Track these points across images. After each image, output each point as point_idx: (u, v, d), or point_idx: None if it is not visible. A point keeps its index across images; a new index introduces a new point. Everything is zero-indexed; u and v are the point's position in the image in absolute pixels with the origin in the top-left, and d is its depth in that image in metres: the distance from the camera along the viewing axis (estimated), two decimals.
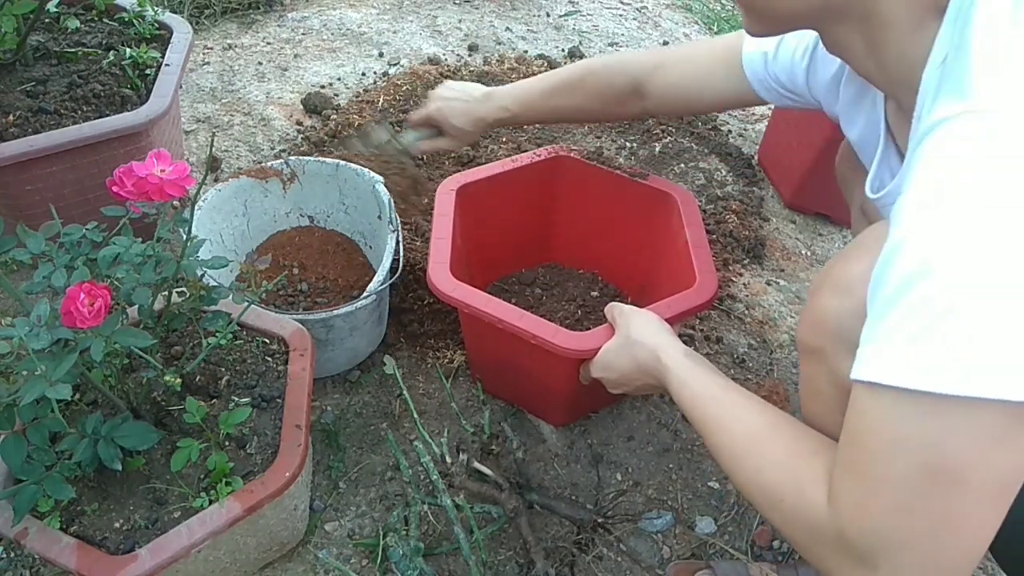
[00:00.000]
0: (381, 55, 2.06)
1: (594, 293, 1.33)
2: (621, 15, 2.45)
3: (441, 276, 1.01)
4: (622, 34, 2.32)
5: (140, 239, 0.80)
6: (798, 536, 0.61)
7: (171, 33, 1.46)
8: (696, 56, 1.01)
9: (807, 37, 0.87)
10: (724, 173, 1.72)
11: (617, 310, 0.95)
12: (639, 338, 0.88)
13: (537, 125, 1.74)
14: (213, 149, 1.24)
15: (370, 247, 1.36)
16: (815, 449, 0.64)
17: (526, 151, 1.29)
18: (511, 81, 1.96)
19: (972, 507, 0.49)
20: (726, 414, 0.73)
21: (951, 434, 0.48)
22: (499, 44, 2.18)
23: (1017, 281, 0.46)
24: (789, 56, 0.89)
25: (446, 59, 2.06)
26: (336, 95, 1.88)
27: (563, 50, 2.18)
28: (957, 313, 0.47)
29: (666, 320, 0.93)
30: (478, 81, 1.92)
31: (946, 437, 0.48)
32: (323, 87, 1.91)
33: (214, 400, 0.92)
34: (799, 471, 0.62)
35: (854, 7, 0.59)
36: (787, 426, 0.69)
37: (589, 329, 0.97)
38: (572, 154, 1.25)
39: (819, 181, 1.60)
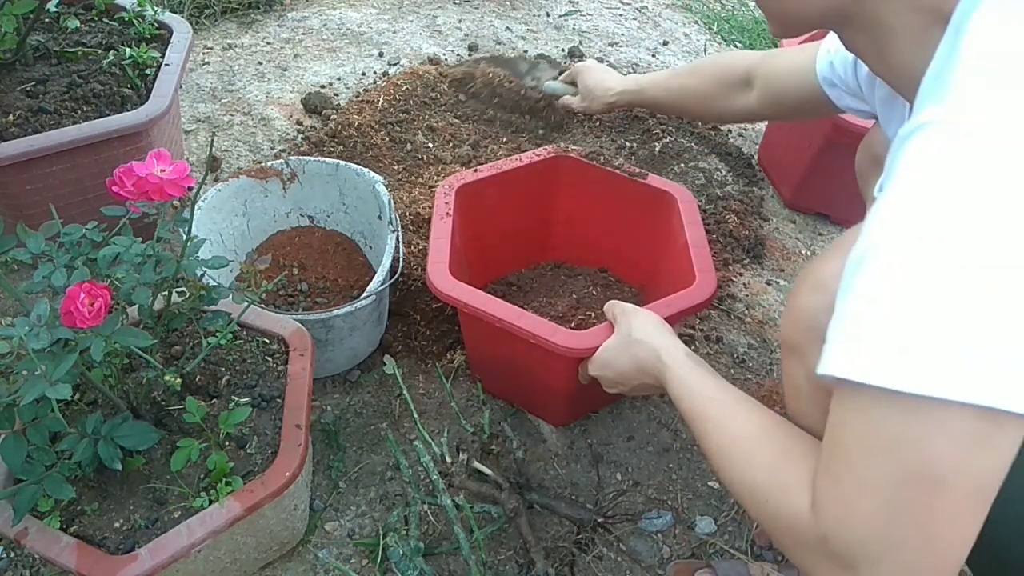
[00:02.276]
0: (381, 55, 2.06)
1: (593, 292, 1.33)
2: (621, 15, 2.44)
3: (440, 276, 1.02)
4: (622, 34, 2.32)
5: (140, 239, 0.80)
6: (783, 538, 0.61)
7: (171, 33, 1.46)
8: (795, 51, 1.04)
9: None
10: (724, 173, 1.72)
11: (618, 309, 0.95)
12: (640, 337, 0.88)
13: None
14: (213, 149, 1.24)
15: (370, 247, 1.36)
16: (803, 452, 0.63)
17: (526, 151, 1.29)
18: (512, 80, 1.97)
19: (952, 511, 0.49)
20: (721, 413, 0.73)
21: (929, 436, 0.47)
22: (499, 44, 2.18)
23: (990, 283, 0.46)
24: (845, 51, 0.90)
25: (446, 59, 2.05)
26: (336, 95, 1.88)
27: (563, 50, 2.18)
28: (930, 314, 0.47)
29: (665, 319, 0.93)
30: None
31: (924, 439, 0.48)
32: (323, 87, 1.91)
33: (214, 400, 0.92)
34: (784, 474, 0.62)
35: (861, 14, 0.60)
36: (779, 429, 0.68)
37: (588, 329, 0.97)
38: (572, 154, 1.25)
39: (819, 181, 1.60)
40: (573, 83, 1.34)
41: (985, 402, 0.45)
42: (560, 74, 1.40)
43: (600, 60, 2.12)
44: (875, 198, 0.75)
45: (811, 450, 0.64)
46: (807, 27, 0.68)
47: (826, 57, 0.94)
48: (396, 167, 1.60)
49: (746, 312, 1.45)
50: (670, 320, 0.94)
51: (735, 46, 2.37)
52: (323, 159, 1.33)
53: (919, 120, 0.51)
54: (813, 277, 0.68)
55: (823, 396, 0.58)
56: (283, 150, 1.69)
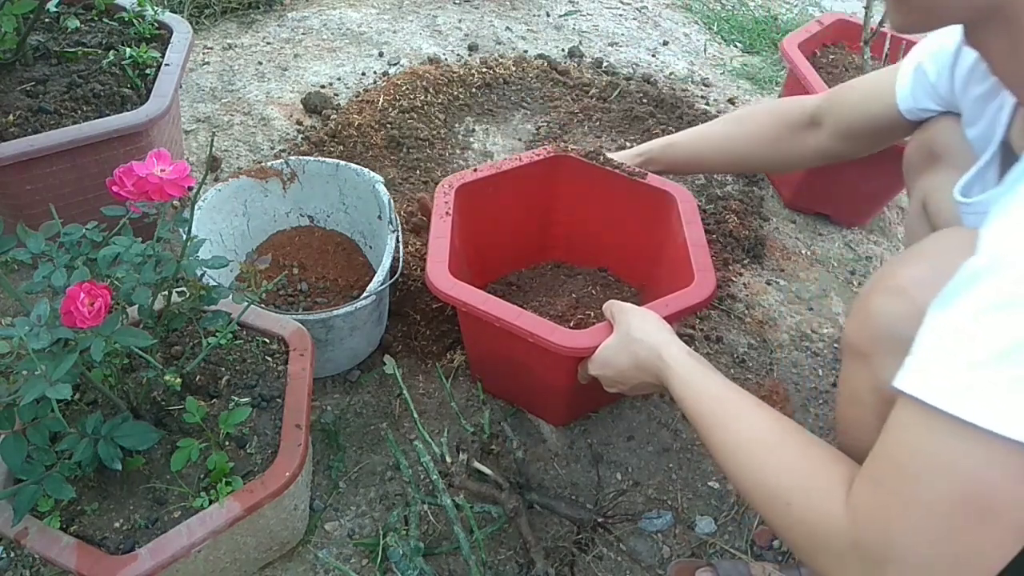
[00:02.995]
0: (381, 55, 2.06)
1: (593, 292, 1.33)
2: (621, 15, 2.44)
3: (440, 275, 1.01)
4: (622, 34, 2.32)
5: (140, 239, 0.80)
6: (801, 541, 0.61)
7: (171, 33, 1.46)
8: (869, 80, 1.02)
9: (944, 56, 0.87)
10: None
11: (616, 308, 0.95)
12: (640, 336, 0.88)
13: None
14: (213, 149, 1.24)
15: (370, 247, 1.36)
16: (825, 457, 0.64)
17: (525, 151, 1.29)
18: (511, 80, 1.97)
19: (996, 542, 0.50)
20: (729, 413, 0.73)
21: (996, 471, 0.49)
22: (499, 44, 2.18)
23: None
24: (937, 60, 0.88)
25: (446, 59, 2.05)
26: (336, 95, 1.88)
27: (563, 50, 2.18)
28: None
29: (664, 318, 0.93)
30: (481, 80, 1.93)
31: (991, 473, 0.49)
32: (323, 87, 1.91)
33: (214, 400, 0.92)
34: (811, 478, 0.62)
35: (1005, 8, 0.58)
36: (793, 431, 0.69)
37: (587, 328, 0.97)
38: (571, 153, 1.25)
39: (819, 181, 1.60)
40: None
41: None
42: None
43: (600, 60, 2.12)
44: (959, 201, 0.74)
45: (832, 456, 0.64)
46: (943, 19, 0.65)
47: (910, 71, 0.91)
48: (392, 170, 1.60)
49: (746, 312, 1.45)
50: (669, 319, 0.94)
51: (735, 46, 2.37)
52: (323, 159, 1.33)
53: None
54: (892, 281, 0.64)
55: (886, 407, 0.57)
56: (283, 150, 1.69)
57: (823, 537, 0.58)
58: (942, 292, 0.54)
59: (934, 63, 0.88)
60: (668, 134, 1.77)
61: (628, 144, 1.77)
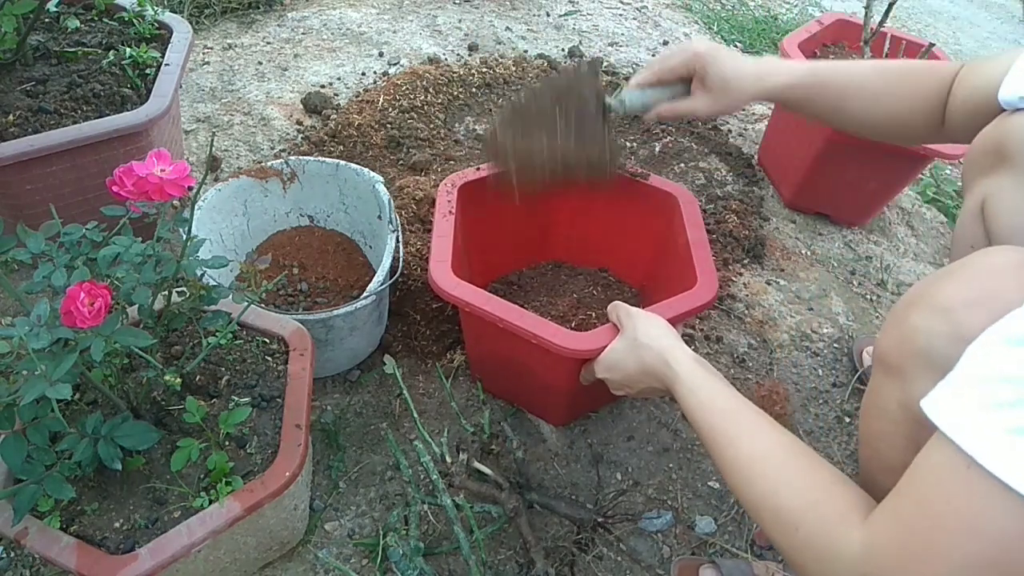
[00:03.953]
0: (381, 55, 2.06)
1: (594, 292, 1.33)
2: (621, 15, 2.44)
3: (442, 275, 1.01)
4: (622, 34, 2.32)
5: (140, 239, 0.80)
6: (807, 564, 0.60)
7: (171, 33, 1.46)
8: (986, 61, 0.85)
9: None
10: (724, 173, 1.72)
11: (623, 311, 0.94)
12: (646, 341, 0.88)
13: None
14: (213, 149, 1.24)
15: (370, 247, 1.36)
16: (833, 480, 0.63)
17: None
18: (511, 80, 1.97)
19: None
20: (736, 428, 0.72)
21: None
22: (499, 44, 2.18)
23: None
24: None
25: (446, 59, 2.05)
26: (336, 95, 1.88)
27: (563, 50, 2.18)
28: None
29: (667, 320, 0.93)
30: (481, 80, 1.93)
31: (1019, 537, 0.47)
32: (323, 87, 1.91)
33: (214, 400, 0.92)
34: (821, 502, 0.61)
35: None
36: (799, 450, 0.68)
37: (590, 330, 0.97)
38: None
39: (819, 181, 1.60)
40: (662, 82, 1.00)
41: None
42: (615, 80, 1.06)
43: (600, 61, 2.12)
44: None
45: (839, 479, 0.63)
46: None
47: (1019, 77, 0.78)
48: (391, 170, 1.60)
49: (746, 312, 1.45)
50: (673, 321, 0.94)
51: (735, 46, 2.37)
52: (323, 159, 1.33)
53: None
54: (937, 299, 0.60)
55: (914, 426, 0.56)
56: (283, 150, 1.69)
57: (831, 563, 0.57)
58: (1006, 325, 0.51)
59: None
60: (668, 134, 1.79)
61: (629, 144, 1.77)
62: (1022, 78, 0.77)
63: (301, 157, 1.35)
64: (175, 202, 0.77)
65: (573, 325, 1.21)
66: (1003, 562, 0.48)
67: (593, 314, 1.25)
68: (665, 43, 2.29)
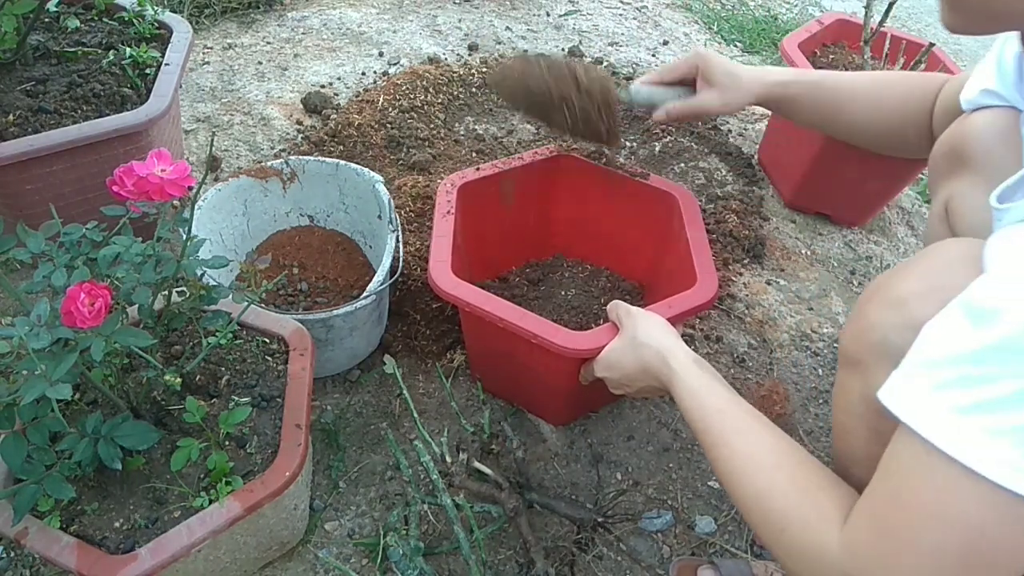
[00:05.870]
0: (381, 55, 2.06)
1: (594, 292, 1.33)
2: (621, 15, 2.44)
3: (442, 275, 1.01)
4: (622, 33, 2.32)
5: (140, 239, 0.80)
6: (795, 566, 0.60)
7: (171, 32, 1.46)
8: (957, 81, 0.91)
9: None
10: (724, 173, 1.71)
11: (623, 310, 0.95)
12: (646, 340, 0.88)
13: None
14: (213, 148, 1.24)
15: (370, 247, 1.36)
16: (822, 482, 0.63)
17: (527, 151, 1.29)
18: None
19: None
20: (729, 429, 0.73)
21: (1001, 524, 0.47)
22: (499, 44, 2.18)
23: None
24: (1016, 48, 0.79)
25: (446, 59, 2.05)
26: (336, 95, 1.88)
27: (563, 49, 2.17)
28: None
29: (667, 320, 0.93)
30: (481, 80, 1.93)
31: (995, 526, 0.47)
32: (323, 87, 1.91)
33: (214, 400, 0.92)
34: (806, 505, 0.61)
35: None
36: (791, 452, 0.68)
37: (589, 329, 0.97)
38: (573, 153, 1.25)
39: (819, 181, 1.60)
40: (665, 83, 1.07)
41: None
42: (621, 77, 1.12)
43: (600, 60, 2.12)
44: (994, 207, 0.69)
45: (829, 480, 0.63)
46: (1001, 24, 0.61)
47: (979, 76, 0.82)
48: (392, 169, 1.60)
49: (746, 312, 1.45)
50: (672, 321, 0.94)
51: (735, 46, 2.37)
52: (323, 159, 1.33)
53: None
54: (891, 292, 0.63)
55: (875, 417, 0.56)
56: (283, 150, 1.69)
57: (815, 564, 0.58)
58: (946, 315, 0.51)
59: (1011, 61, 0.79)
60: (668, 134, 1.78)
61: (628, 144, 1.77)
62: (978, 79, 0.80)
63: (301, 157, 1.35)
64: (175, 202, 0.77)
65: (573, 325, 1.21)
66: (976, 547, 0.48)
67: (593, 314, 1.25)
68: (665, 43, 2.29)
